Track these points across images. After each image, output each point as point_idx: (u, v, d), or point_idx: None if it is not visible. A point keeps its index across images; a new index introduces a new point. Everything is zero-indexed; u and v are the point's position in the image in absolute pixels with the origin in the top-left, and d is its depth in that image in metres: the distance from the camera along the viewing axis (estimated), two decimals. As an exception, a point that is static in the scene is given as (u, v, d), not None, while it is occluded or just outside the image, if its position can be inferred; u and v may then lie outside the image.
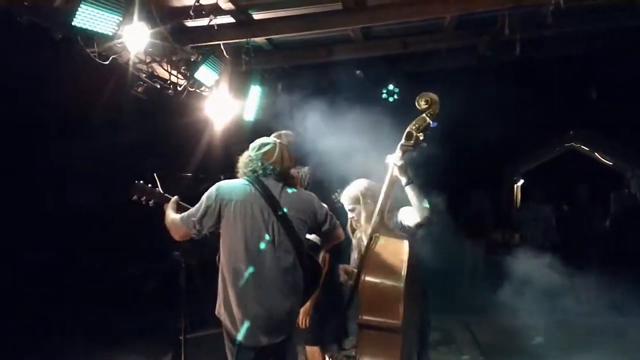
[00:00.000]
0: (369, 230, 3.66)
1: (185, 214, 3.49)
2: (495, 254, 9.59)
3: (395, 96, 8.77)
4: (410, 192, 3.58)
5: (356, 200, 3.93)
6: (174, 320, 5.15)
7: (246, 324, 3.31)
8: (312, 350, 4.45)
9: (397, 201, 3.70)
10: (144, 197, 3.85)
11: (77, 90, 5.01)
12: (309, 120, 6.03)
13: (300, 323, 4.25)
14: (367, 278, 3.30)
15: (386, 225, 3.65)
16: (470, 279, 9.29)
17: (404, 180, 3.57)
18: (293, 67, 7.46)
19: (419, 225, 3.64)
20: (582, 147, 10.47)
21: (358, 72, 7.72)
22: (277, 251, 3.38)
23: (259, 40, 6.50)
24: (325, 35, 6.68)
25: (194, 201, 3.67)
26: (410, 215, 3.66)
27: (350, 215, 4.00)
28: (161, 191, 3.87)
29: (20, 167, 5.03)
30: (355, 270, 3.64)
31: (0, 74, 4.42)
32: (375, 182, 3.97)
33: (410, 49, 7.04)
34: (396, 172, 3.55)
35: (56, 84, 4.91)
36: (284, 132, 4.53)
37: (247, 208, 3.38)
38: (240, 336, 3.33)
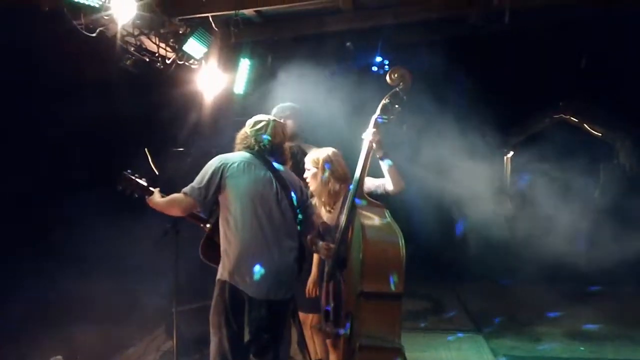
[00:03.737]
0: (339, 203, 3.99)
1: (187, 187, 3.61)
2: (486, 224, 9.66)
3: (386, 68, 8.74)
4: (385, 165, 3.87)
5: (315, 163, 4.13)
6: (166, 293, 5.18)
7: (257, 278, 3.48)
8: (309, 317, 4.50)
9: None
10: (130, 189, 3.89)
11: (65, 64, 4.95)
12: (300, 93, 6.02)
13: (309, 292, 4.34)
14: (369, 249, 3.36)
15: (365, 196, 3.77)
16: (460, 248, 9.37)
17: (379, 153, 3.82)
18: (283, 39, 7.40)
19: (392, 194, 3.95)
20: (572, 118, 10.49)
21: (348, 44, 7.66)
22: (279, 207, 3.61)
23: (248, 12, 6.43)
24: (314, 6, 6.59)
25: (184, 176, 3.73)
26: (383, 184, 3.97)
27: (305, 175, 4.18)
28: (145, 184, 3.90)
29: (6, 142, 4.98)
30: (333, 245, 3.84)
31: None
32: (345, 158, 4.17)
33: (401, 20, 6.99)
34: (372, 145, 3.75)
35: (43, 57, 4.85)
36: (287, 103, 4.73)
37: (250, 166, 3.62)
38: (251, 291, 3.49)
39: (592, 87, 9.15)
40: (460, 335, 6.67)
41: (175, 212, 3.72)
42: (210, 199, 3.59)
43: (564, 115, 10.54)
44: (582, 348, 6.20)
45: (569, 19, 7.42)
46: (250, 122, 3.85)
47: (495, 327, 6.86)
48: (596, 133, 10.40)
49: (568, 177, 9.71)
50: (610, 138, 10.46)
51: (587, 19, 7.37)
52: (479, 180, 9.91)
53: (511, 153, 10.90)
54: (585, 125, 10.50)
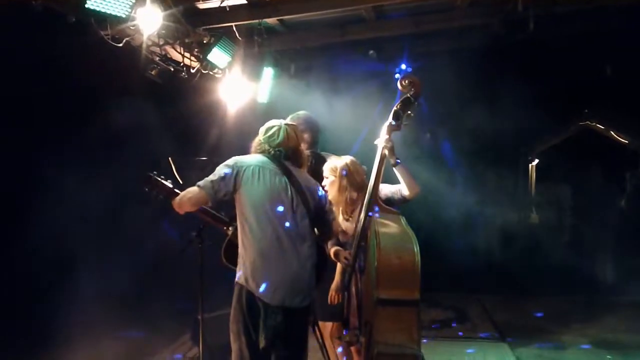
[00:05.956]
0: (357, 211, 3.98)
1: (201, 181, 3.57)
2: (511, 232, 9.61)
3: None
4: (400, 171, 3.87)
5: (333, 172, 4.20)
6: (192, 301, 5.20)
7: (272, 285, 3.44)
8: (329, 326, 4.49)
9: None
10: (155, 191, 3.90)
11: (92, 74, 5.03)
12: (322, 101, 6.03)
13: (332, 299, 4.34)
14: (383, 256, 3.36)
15: (379, 203, 3.77)
16: (485, 258, 9.29)
17: (392, 160, 3.80)
18: (306, 48, 7.43)
19: (409, 199, 3.95)
20: (597, 125, 10.35)
21: (371, 52, 7.68)
22: (295, 214, 3.56)
23: (271, 21, 6.48)
24: (337, 15, 6.63)
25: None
26: (400, 189, 3.98)
27: (324, 183, 4.19)
28: (171, 186, 3.89)
29: (32, 152, 5.06)
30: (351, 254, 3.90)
31: (14, 58, 4.45)
32: (363, 165, 4.21)
33: (423, 28, 6.99)
34: (385, 152, 3.75)
35: (70, 67, 4.94)
36: (301, 112, 4.73)
37: (265, 172, 3.58)
38: (267, 297, 3.45)
39: (618, 94, 9.02)
40: (485, 343, 6.64)
41: (187, 206, 3.60)
42: (222, 197, 3.54)
43: (589, 123, 10.39)
44: (609, 357, 6.12)
45: (593, 26, 7.35)
46: (262, 129, 3.80)
47: (520, 336, 6.80)
48: (622, 140, 10.24)
49: (594, 185, 9.60)
50: (636, 146, 10.30)
51: (611, 27, 7.29)
52: (504, 188, 9.87)
53: (536, 161, 10.77)
54: (611, 132, 10.35)
